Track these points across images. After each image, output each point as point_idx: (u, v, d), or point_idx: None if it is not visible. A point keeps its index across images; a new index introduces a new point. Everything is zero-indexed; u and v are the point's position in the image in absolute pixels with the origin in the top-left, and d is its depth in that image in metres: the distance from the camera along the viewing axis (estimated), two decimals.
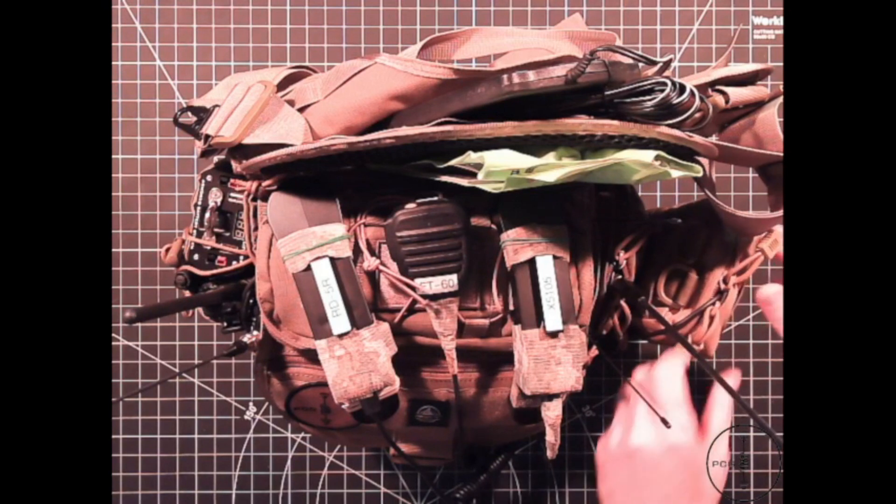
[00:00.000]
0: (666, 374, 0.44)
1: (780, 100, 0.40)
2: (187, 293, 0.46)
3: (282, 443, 0.67)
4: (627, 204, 0.46)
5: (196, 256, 0.46)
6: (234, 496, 0.66)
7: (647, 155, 0.35)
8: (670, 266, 0.44)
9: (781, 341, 0.42)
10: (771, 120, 0.40)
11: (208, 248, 0.45)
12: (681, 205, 0.50)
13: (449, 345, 0.39)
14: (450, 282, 0.38)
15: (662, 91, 0.34)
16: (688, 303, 0.44)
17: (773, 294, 0.42)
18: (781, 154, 0.39)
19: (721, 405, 0.45)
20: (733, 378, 0.46)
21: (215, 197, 0.45)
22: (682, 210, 0.48)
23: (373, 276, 0.40)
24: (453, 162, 0.36)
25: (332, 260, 0.38)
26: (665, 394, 0.43)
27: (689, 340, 0.44)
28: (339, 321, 0.38)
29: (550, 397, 0.39)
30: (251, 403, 0.67)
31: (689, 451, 0.42)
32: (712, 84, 0.40)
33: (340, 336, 0.38)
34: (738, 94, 0.40)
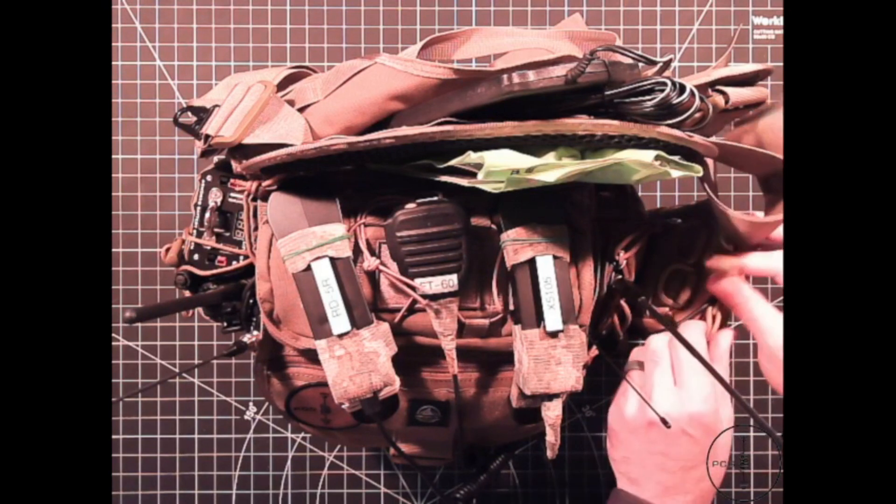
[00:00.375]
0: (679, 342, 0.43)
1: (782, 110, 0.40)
2: (187, 293, 0.46)
3: (282, 443, 0.67)
4: (627, 204, 0.46)
5: (196, 256, 0.46)
6: (234, 496, 0.66)
7: (647, 155, 0.35)
8: (670, 266, 0.44)
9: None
10: (777, 126, 0.39)
11: (208, 248, 0.45)
12: (681, 205, 0.50)
13: (449, 345, 0.39)
14: (450, 282, 0.38)
15: (662, 91, 0.34)
16: (687, 303, 0.44)
17: (729, 286, 0.42)
18: (782, 157, 0.39)
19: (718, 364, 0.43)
20: (726, 337, 0.44)
21: (215, 197, 0.45)
22: (682, 210, 0.48)
23: (373, 276, 0.40)
24: (453, 162, 0.36)
25: (332, 260, 0.38)
26: (686, 360, 0.41)
27: None
28: (339, 321, 0.38)
29: (550, 397, 0.39)
30: (251, 403, 0.67)
31: (710, 420, 0.40)
32: (712, 84, 0.40)
33: (340, 336, 0.38)
34: (738, 94, 0.40)
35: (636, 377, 0.45)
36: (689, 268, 0.44)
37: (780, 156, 0.39)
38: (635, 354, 0.46)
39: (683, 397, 0.41)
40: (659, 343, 0.44)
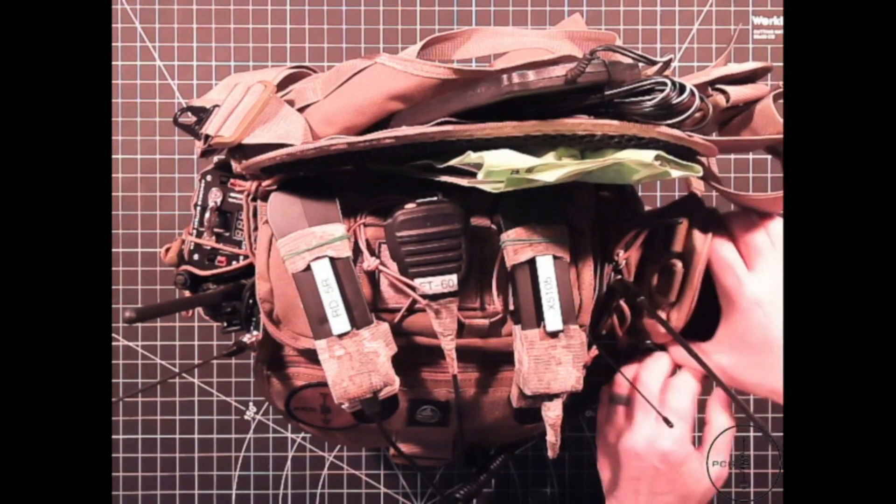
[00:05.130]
0: (680, 385, 0.45)
1: (773, 93, 0.40)
2: (187, 293, 0.46)
3: (282, 443, 0.67)
4: (626, 204, 0.46)
5: (196, 256, 0.46)
6: (234, 496, 0.66)
7: (647, 155, 0.35)
8: (659, 263, 0.44)
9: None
10: (767, 110, 0.39)
11: (208, 248, 0.45)
12: (663, 205, 0.50)
13: (449, 345, 0.39)
14: (449, 282, 0.38)
15: (662, 91, 0.34)
16: (676, 297, 0.44)
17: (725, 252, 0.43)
18: (780, 135, 0.39)
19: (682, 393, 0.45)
20: (686, 381, 0.46)
21: (215, 197, 0.45)
22: (666, 208, 0.48)
23: (372, 276, 0.40)
24: (453, 162, 0.36)
25: (332, 260, 0.38)
26: (674, 402, 0.44)
27: None
28: (338, 321, 0.38)
29: (551, 397, 0.39)
30: (251, 403, 0.67)
31: (677, 458, 0.44)
32: (712, 83, 0.40)
33: (340, 336, 0.38)
34: (738, 92, 0.40)
35: (621, 409, 0.47)
36: (675, 261, 0.43)
37: (775, 131, 0.39)
38: (616, 385, 0.48)
39: (658, 434, 0.44)
40: (652, 377, 0.46)
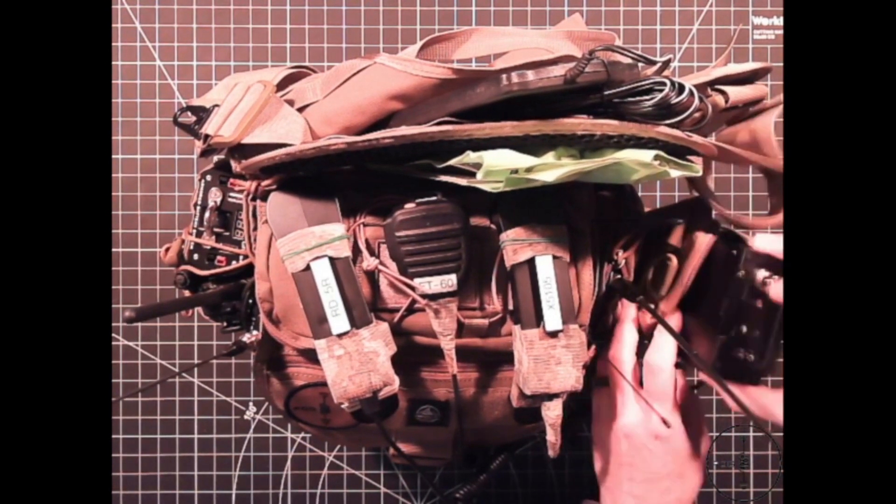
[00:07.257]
0: (657, 365, 0.43)
1: (780, 108, 0.40)
2: (187, 293, 0.46)
3: (282, 443, 0.67)
4: (625, 203, 0.46)
5: (196, 256, 0.46)
6: (234, 496, 0.66)
7: (647, 154, 0.35)
8: (656, 258, 0.44)
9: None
10: (767, 124, 0.40)
11: (208, 247, 0.45)
12: (664, 205, 0.50)
13: (448, 344, 0.39)
14: (449, 281, 0.38)
15: (661, 91, 0.34)
16: (667, 292, 0.44)
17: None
18: (776, 158, 0.39)
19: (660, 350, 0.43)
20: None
21: (215, 197, 0.45)
22: (670, 208, 0.48)
23: (372, 276, 0.40)
24: (452, 162, 0.36)
25: (332, 260, 0.38)
26: (653, 385, 0.43)
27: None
28: (338, 321, 0.38)
29: (551, 397, 0.39)
30: (251, 403, 0.67)
31: (668, 437, 0.42)
32: (712, 83, 0.40)
33: (340, 336, 0.38)
34: (737, 92, 0.40)
35: (603, 393, 0.46)
36: (670, 255, 0.43)
37: (769, 150, 0.39)
38: (599, 370, 0.46)
39: (646, 416, 0.42)
40: (627, 360, 0.45)
